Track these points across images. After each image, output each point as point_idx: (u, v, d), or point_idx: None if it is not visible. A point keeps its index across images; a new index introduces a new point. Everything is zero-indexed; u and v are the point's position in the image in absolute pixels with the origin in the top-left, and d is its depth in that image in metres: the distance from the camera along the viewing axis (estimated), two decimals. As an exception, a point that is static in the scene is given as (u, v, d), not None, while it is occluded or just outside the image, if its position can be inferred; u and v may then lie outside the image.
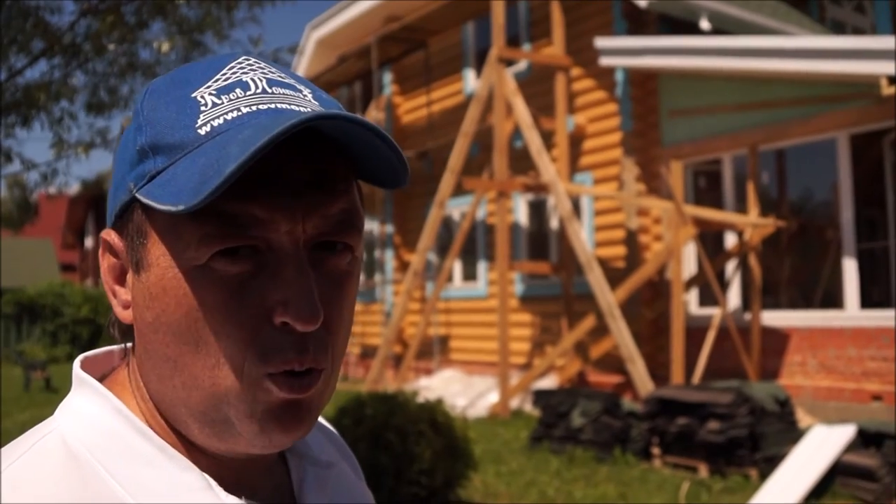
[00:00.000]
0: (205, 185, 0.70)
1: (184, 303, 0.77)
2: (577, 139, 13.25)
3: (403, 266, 17.13)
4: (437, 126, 16.25)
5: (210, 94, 0.79)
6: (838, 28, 16.51)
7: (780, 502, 6.92)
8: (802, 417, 9.26)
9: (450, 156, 13.19)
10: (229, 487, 0.84)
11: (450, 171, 12.99)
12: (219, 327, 0.76)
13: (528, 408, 12.02)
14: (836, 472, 7.34)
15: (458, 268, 15.79)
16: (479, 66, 15.15)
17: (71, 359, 24.51)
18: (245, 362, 0.77)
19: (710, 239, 11.56)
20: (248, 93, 0.79)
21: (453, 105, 16.06)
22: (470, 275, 15.80)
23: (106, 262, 0.85)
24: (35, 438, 0.81)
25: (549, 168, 11.61)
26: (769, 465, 7.72)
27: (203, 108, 0.78)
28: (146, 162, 0.78)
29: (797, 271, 11.30)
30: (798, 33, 13.38)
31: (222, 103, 0.78)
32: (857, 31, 16.79)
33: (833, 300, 10.38)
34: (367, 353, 17.60)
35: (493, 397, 12.30)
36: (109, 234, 0.85)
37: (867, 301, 10.05)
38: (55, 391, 16.27)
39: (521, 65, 14.29)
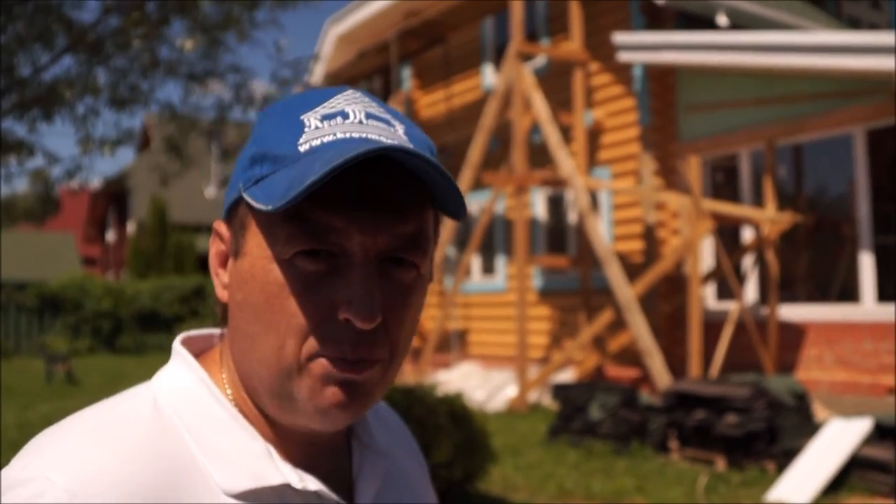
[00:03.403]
0: (290, 192, 0.82)
1: (266, 289, 0.89)
2: (595, 134, 13.28)
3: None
4: (456, 121, 16.31)
5: (315, 118, 0.91)
6: (854, 24, 16.49)
7: (797, 495, 6.97)
8: (819, 411, 9.29)
9: (468, 150, 13.25)
10: (295, 462, 0.96)
11: (469, 165, 13.05)
12: (291, 313, 0.88)
13: (547, 401, 12.08)
14: (853, 466, 7.38)
15: (476, 262, 15.83)
16: (498, 61, 15.20)
17: (92, 352, 24.82)
18: (306, 345, 0.88)
19: (727, 233, 11.58)
20: (347, 121, 0.90)
21: (472, 100, 16.11)
22: (488, 269, 15.84)
23: (214, 248, 0.99)
24: (132, 392, 0.96)
25: (567, 163, 11.65)
26: (786, 458, 7.75)
27: (306, 130, 0.89)
28: (255, 168, 0.91)
29: (814, 266, 11.31)
30: (814, 29, 13.39)
31: (323, 127, 0.89)
32: (874, 27, 16.77)
33: (849, 294, 10.40)
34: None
35: (512, 391, 12.36)
36: (220, 225, 0.98)
37: (883, 295, 10.06)
38: (76, 384, 16.41)
39: (540, 60, 14.31)
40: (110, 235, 41.16)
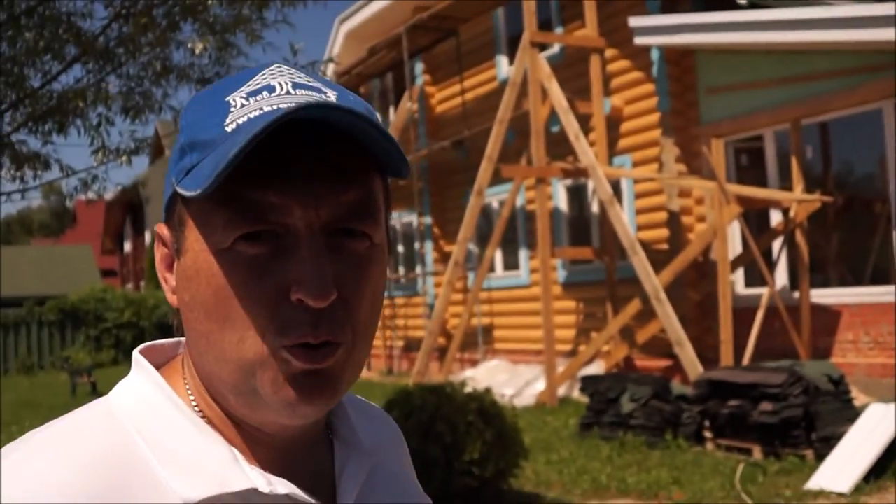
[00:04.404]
0: (215, 171, 0.77)
1: (212, 282, 0.84)
2: (614, 121, 13.10)
3: (443, 257, 17.06)
4: (472, 114, 16.15)
5: (240, 97, 0.86)
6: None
7: (838, 483, 6.79)
8: (857, 396, 9.09)
9: (486, 144, 13.10)
10: (265, 464, 0.90)
11: (487, 159, 12.90)
12: (242, 304, 0.83)
13: (576, 395, 11.93)
14: (896, 451, 7.19)
15: (499, 257, 15.70)
16: (512, 52, 15.03)
17: (115, 363, 24.92)
18: (266, 336, 0.83)
19: (754, 217, 11.37)
20: (273, 94, 0.86)
21: (487, 92, 15.96)
22: (511, 263, 15.71)
23: (159, 253, 0.94)
24: (89, 405, 0.92)
25: (587, 152, 11.49)
26: (825, 445, 7.58)
27: (232, 109, 0.85)
28: (185, 159, 0.87)
29: (845, 247, 11.09)
30: (838, 2, 13.15)
31: (249, 104, 0.85)
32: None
33: (884, 275, 10.16)
34: (411, 347, 17.57)
35: (540, 386, 12.23)
36: (161, 228, 0.93)
37: (920, 274, 9.85)
38: (102, 395, 16.35)
39: (555, 48, 14.15)
40: (127, 246, 41.36)
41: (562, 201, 14.36)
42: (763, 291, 10.53)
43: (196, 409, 0.91)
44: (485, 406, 6.69)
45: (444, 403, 6.54)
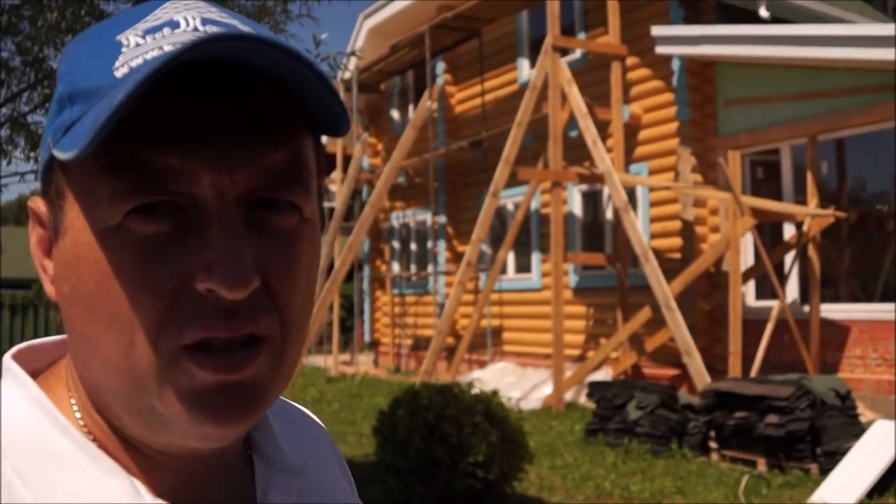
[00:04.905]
0: (95, 125, 0.61)
1: (96, 270, 0.66)
2: (632, 129, 13.11)
3: (456, 257, 17.09)
4: (491, 116, 16.18)
5: (135, 35, 0.69)
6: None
7: (842, 498, 6.80)
8: (864, 412, 9.09)
9: (504, 145, 13.13)
10: (171, 494, 0.73)
11: (504, 161, 12.93)
12: (132, 296, 0.65)
13: (583, 400, 11.95)
14: (900, 469, 7.20)
15: (511, 259, 15.72)
16: (534, 55, 15.06)
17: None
18: (161, 337, 0.66)
19: (767, 230, 11.38)
20: (177, 31, 0.68)
21: (507, 94, 15.98)
22: (523, 266, 15.72)
23: (35, 235, 0.76)
24: None
25: (604, 158, 11.50)
26: (830, 459, 7.58)
27: (125, 49, 0.68)
28: (63, 113, 0.69)
29: (857, 263, 11.10)
30: (860, 21, 13.15)
31: (146, 43, 0.67)
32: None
33: (894, 293, 10.17)
34: (420, 345, 17.59)
35: (547, 390, 12.24)
36: (36, 203, 0.75)
37: (930, 294, 9.85)
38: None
39: (576, 54, 14.17)
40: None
41: (576, 206, 14.37)
42: (773, 304, 10.54)
43: (84, 429, 0.73)
44: (491, 408, 6.68)
45: (451, 404, 6.54)
